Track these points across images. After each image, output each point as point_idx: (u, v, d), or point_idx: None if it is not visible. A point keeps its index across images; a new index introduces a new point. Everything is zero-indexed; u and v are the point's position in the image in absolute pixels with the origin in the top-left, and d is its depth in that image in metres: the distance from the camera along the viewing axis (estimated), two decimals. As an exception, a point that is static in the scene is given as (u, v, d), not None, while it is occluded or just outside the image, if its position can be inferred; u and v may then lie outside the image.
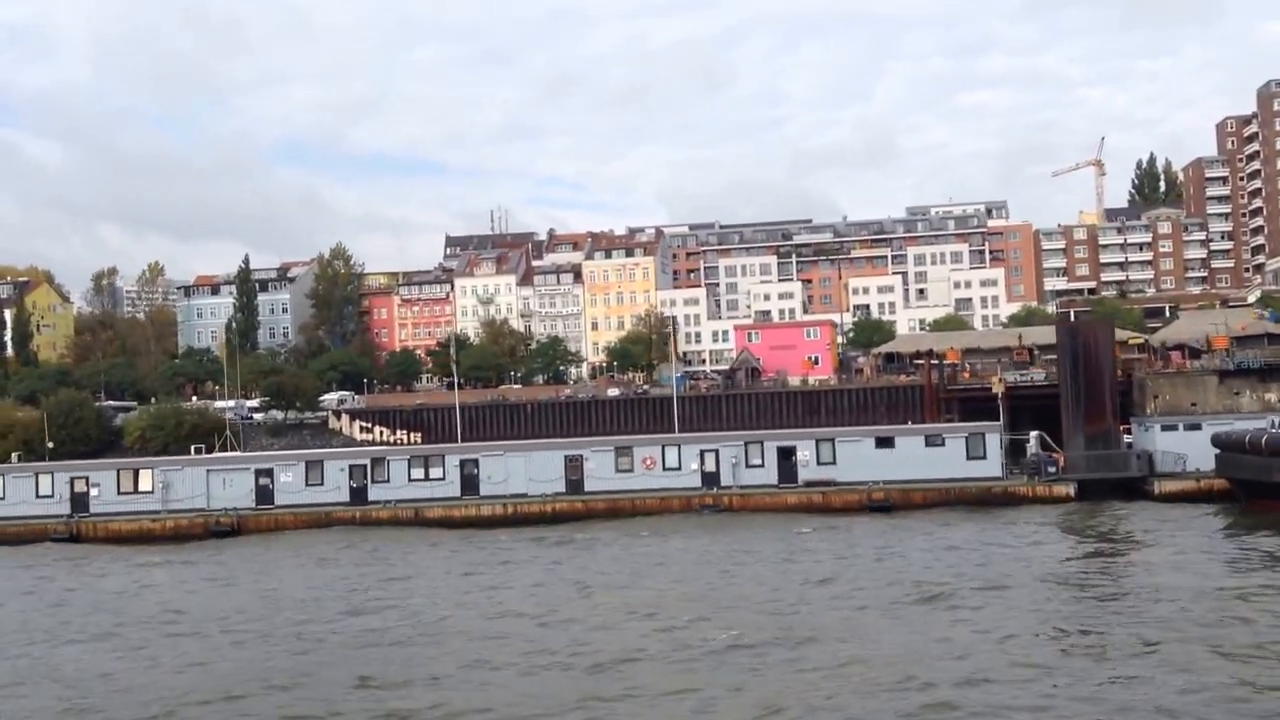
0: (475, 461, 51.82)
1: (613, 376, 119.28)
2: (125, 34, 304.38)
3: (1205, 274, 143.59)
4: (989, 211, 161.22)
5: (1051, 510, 44.89)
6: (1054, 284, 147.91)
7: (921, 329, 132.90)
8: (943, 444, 49.62)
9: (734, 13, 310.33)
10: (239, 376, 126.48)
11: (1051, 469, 47.92)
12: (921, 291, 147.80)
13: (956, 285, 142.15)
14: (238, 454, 60.30)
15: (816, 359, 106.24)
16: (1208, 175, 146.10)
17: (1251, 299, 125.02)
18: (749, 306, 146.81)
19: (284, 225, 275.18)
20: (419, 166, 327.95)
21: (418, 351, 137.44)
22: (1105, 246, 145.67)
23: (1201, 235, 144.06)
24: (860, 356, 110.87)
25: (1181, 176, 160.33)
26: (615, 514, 48.79)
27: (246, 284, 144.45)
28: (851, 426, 60.78)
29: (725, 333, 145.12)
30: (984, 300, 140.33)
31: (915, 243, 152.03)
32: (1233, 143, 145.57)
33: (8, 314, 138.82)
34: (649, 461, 51.13)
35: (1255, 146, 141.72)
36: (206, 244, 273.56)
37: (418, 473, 51.88)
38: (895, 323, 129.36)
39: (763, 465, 50.72)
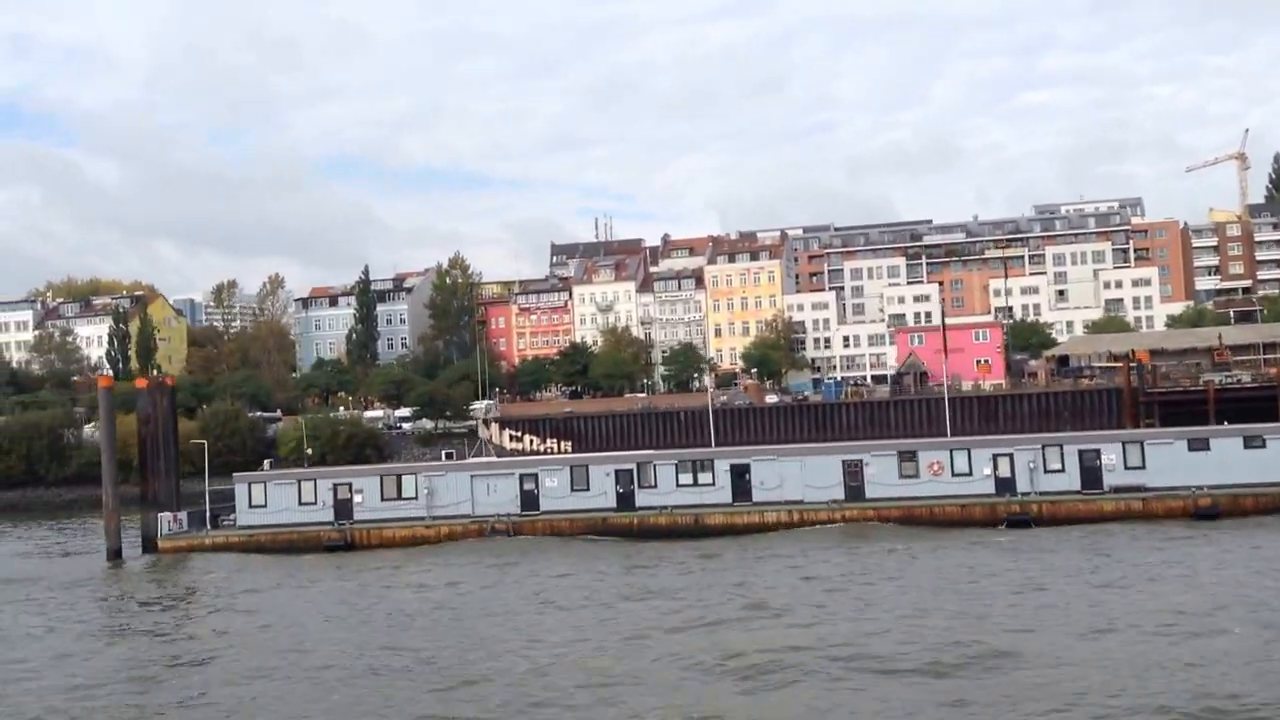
0: (746, 466, 49.96)
1: (755, 385, 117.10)
2: (181, 51, 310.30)
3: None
4: (1122, 208, 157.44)
5: None
6: (1204, 284, 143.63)
7: (1069, 332, 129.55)
8: (1263, 445, 46.88)
9: (785, 16, 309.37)
10: (368, 386, 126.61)
11: None
12: (1061, 293, 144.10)
13: (1106, 285, 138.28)
14: (501, 459, 59.56)
15: (989, 362, 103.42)
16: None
17: None
18: (881, 310, 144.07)
19: (335, 240, 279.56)
20: (467, 179, 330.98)
21: (538, 360, 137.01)
22: (1261, 244, 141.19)
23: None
24: (1030, 360, 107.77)
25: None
26: (909, 522, 46.47)
27: (366, 295, 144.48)
28: (1157, 428, 57.61)
29: (856, 338, 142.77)
30: (1136, 301, 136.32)
31: (1053, 242, 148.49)
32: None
33: (131, 328, 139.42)
34: (936, 466, 48.80)
35: None
36: (258, 260, 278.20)
37: (686, 478, 50.46)
38: (1051, 326, 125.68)
39: (1063, 470, 48.15)
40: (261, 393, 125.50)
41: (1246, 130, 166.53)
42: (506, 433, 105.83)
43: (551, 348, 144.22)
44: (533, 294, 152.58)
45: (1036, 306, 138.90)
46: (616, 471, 51.39)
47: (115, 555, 50.46)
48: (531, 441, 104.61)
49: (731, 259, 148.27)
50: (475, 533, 49.56)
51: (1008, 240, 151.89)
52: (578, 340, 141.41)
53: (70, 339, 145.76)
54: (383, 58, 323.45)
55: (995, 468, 49.06)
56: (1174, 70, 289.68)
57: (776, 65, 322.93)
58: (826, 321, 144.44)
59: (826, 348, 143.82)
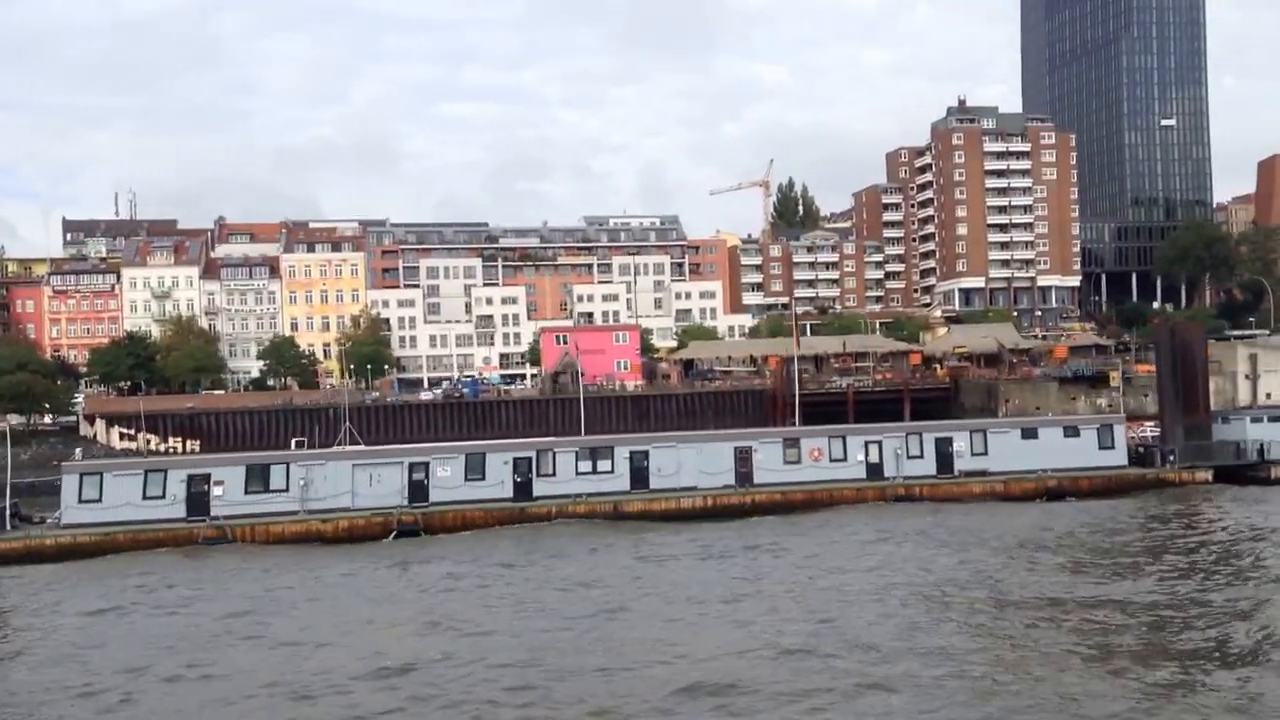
0: (645, 454, 50.55)
1: (387, 381, 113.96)
2: None
3: (881, 293, 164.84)
4: (661, 224, 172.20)
5: (1219, 492, 52.41)
6: (749, 299, 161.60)
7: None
8: (1078, 435, 55.55)
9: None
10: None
11: (1171, 458, 55.01)
12: (628, 302, 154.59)
13: (678, 296, 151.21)
14: (385, 447, 53.82)
15: (628, 364, 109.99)
16: (884, 201, 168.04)
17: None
18: (468, 309, 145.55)
19: None
20: None
21: (75, 351, 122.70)
22: (799, 264, 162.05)
23: (879, 257, 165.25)
24: (661, 363, 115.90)
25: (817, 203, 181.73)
26: (788, 508, 49.92)
27: None
28: (990, 419, 64.41)
29: (444, 337, 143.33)
30: (703, 311, 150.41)
31: (619, 252, 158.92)
32: (905, 171, 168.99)
33: None
34: (816, 453, 52.50)
35: (928, 176, 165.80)
36: None
37: (585, 466, 49.98)
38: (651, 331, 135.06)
39: (922, 456, 53.84)
40: None
41: (771, 161, 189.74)
42: (116, 430, 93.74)
43: (96, 337, 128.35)
44: (69, 274, 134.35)
45: (617, 314, 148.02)
46: (515, 459, 49.40)
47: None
48: (150, 441, 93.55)
49: (310, 249, 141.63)
50: (379, 526, 45.90)
51: (579, 248, 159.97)
52: (129, 330, 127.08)
53: None
54: None
55: (867, 454, 53.59)
56: (580, 97, 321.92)
57: (198, 45, 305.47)
58: (413, 320, 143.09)
59: (413, 347, 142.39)
